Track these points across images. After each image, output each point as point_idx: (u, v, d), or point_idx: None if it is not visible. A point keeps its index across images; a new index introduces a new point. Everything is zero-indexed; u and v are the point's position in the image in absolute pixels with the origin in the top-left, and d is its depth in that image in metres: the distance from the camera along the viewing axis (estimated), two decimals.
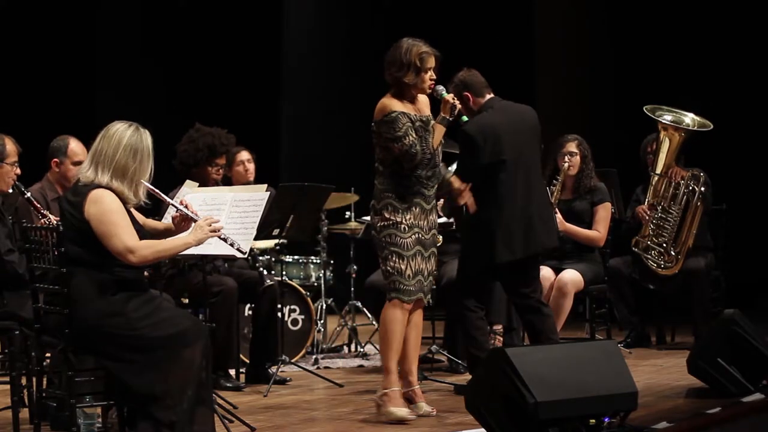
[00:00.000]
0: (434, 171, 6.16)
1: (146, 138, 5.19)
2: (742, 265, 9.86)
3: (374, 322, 8.81)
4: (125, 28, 12.42)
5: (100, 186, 5.09)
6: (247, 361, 7.58)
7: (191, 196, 6.09)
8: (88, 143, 5.45)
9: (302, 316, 8.38)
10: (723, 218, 9.04)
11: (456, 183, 6.45)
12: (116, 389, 5.17)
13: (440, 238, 7.60)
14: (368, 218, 7.88)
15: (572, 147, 8.23)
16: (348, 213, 9.08)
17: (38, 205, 6.24)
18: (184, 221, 5.34)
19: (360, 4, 12.59)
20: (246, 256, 6.36)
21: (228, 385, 7.14)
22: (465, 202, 6.89)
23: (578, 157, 8.22)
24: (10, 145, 6.18)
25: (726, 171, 9.75)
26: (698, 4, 11.20)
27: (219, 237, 5.33)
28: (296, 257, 8.91)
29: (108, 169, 5.11)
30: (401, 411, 6.03)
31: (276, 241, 7.84)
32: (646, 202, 8.72)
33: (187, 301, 7.21)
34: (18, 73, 11.51)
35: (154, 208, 5.70)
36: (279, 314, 7.92)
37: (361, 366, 8.30)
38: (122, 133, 5.15)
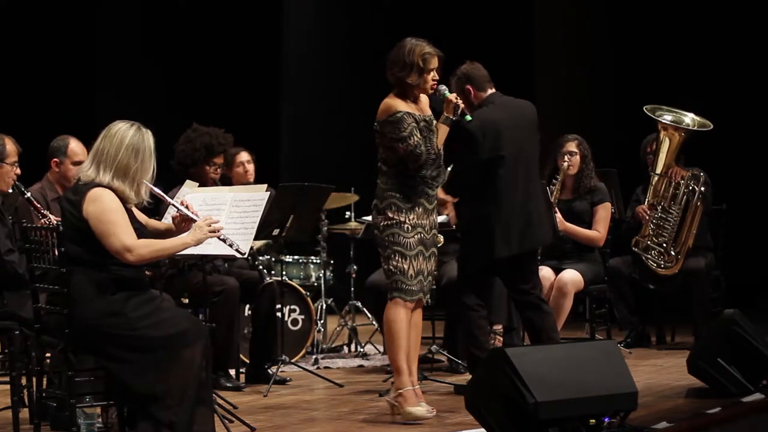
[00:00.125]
0: (439, 171, 6.16)
1: (148, 138, 5.19)
2: (742, 265, 9.86)
3: (374, 322, 8.81)
4: (125, 28, 12.42)
5: (100, 185, 5.09)
6: (247, 361, 7.58)
7: (191, 196, 6.09)
8: (88, 143, 5.45)
9: (302, 316, 8.38)
10: (723, 218, 9.04)
11: (440, 194, 6.47)
12: (116, 389, 5.17)
13: (441, 238, 7.62)
14: (368, 218, 7.90)
15: (572, 147, 8.24)
16: (348, 213, 9.08)
17: (38, 205, 6.24)
18: (184, 221, 5.34)
19: (360, 4, 12.59)
20: (246, 256, 6.36)
21: (228, 385, 7.14)
22: (447, 213, 6.95)
23: (578, 157, 8.23)
24: (10, 145, 6.18)
25: (726, 171, 9.75)
26: (698, 4, 11.20)
27: (218, 238, 5.33)
28: (296, 257, 8.91)
29: (110, 168, 5.11)
30: (419, 410, 6.03)
31: (265, 241, 7.85)
32: (646, 202, 8.72)
33: (187, 301, 7.21)
34: (18, 73, 11.51)
35: (153, 207, 5.70)
36: (279, 314, 7.93)
37: (361, 366, 8.30)
38: (124, 132, 5.16)
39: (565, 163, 8.19)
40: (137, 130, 5.18)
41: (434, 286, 6.51)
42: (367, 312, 9.07)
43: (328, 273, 9.02)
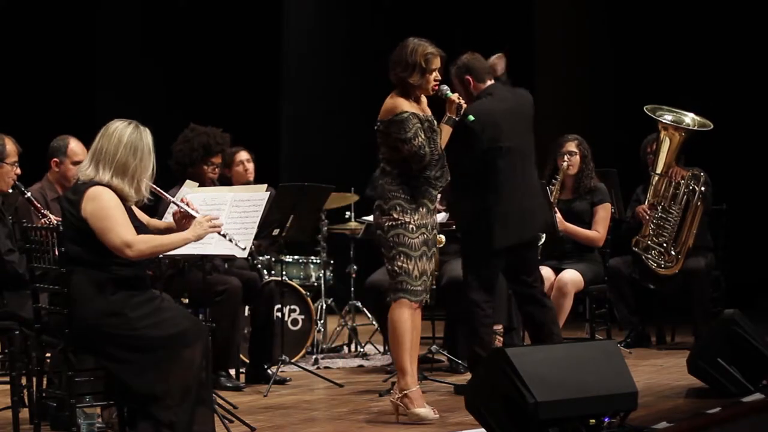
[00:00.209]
0: (442, 171, 6.15)
1: (146, 136, 5.19)
2: (742, 265, 9.86)
3: (374, 322, 8.81)
4: (125, 28, 12.41)
5: (99, 184, 5.09)
6: (247, 361, 7.58)
7: (191, 196, 6.08)
8: (88, 143, 5.45)
9: (302, 316, 8.38)
10: (723, 218, 9.04)
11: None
12: (116, 389, 5.17)
13: (443, 238, 7.62)
14: (369, 218, 7.90)
15: (572, 147, 8.24)
16: (348, 213, 9.08)
17: (38, 205, 6.24)
18: (184, 219, 5.35)
19: (360, 4, 12.59)
20: (246, 254, 6.36)
21: (228, 385, 7.14)
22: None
23: (578, 157, 8.23)
24: (10, 145, 6.18)
25: (726, 171, 9.75)
26: (698, 4, 11.20)
27: (218, 233, 5.33)
28: (296, 257, 8.91)
29: (109, 167, 5.11)
30: (427, 412, 6.03)
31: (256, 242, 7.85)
32: (646, 202, 8.72)
33: (187, 301, 7.21)
34: (18, 73, 11.51)
35: (153, 205, 5.70)
36: (279, 314, 7.94)
37: (361, 366, 8.30)
38: (122, 131, 5.16)
39: (565, 163, 8.20)
40: (135, 128, 5.18)
41: (434, 286, 6.51)
42: (367, 312, 9.07)
43: (328, 273, 9.01)
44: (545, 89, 11.47)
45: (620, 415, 5.29)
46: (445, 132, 6.23)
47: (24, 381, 5.99)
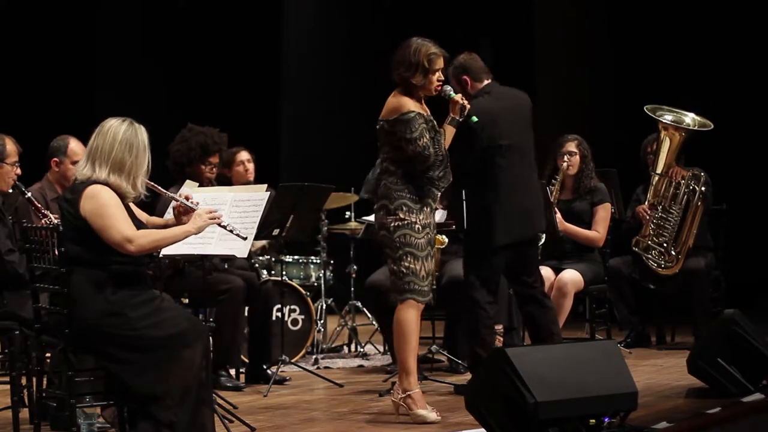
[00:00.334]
0: (445, 172, 6.13)
1: (141, 132, 5.20)
2: (742, 265, 9.86)
3: (374, 322, 8.81)
4: (125, 28, 12.42)
5: (97, 182, 5.09)
6: (247, 361, 7.58)
7: (191, 196, 6.09)
8: (88, 143, 5.45)
9: (302, 316, 8.38)
10: (723, 218, 9.04)
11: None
12: (116, 389, 5.17)
13: (445, 239, 7.62)
14: (368, 218, 7.89)
15: (572, 147, 8.24)
16: (348, 213, 9.08)
17: (38, 205, 6.24)
18: (184, 214, 5.35)
19: (360, 4, 12.59)
20: (246, 252, 6.35)
21: (228, 385, 7.15)
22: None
23: (578, 157, 8.23)
24: (11, 145, 6.18)
25: (726, 171, 9.75)
26: (698, 4, 11.21)
27: (219, 224, 5.34)
28: (296, 257, 8.91)
29: (105, 164, 5.12)
30: (430, 414, 6.03)
31: (265, 241, 7.86)
32: (646, 202, 8.72)
33: (187, 301, 7.22)
34: (18, 73, 11.51)
35: (151, 202, 5.70)
36: (279, 314, 7.94)
37: (361, 366, 8.30)
38: (117, 128, 5.16)
39: (565, 164, 8.19)
40: (130, 125, 5.19)
41: (434, 286, 6.50)
42: (367, 312, 9.07)
43: (328, 273, 9.01)
44: (545, 89, 11.48)
45: (620, 415, 5.29)
46: (449, 133, 6.22)
47: (24, 381, 5.99)
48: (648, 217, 8.67)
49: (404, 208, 6.04)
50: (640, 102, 8.80)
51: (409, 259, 6.04)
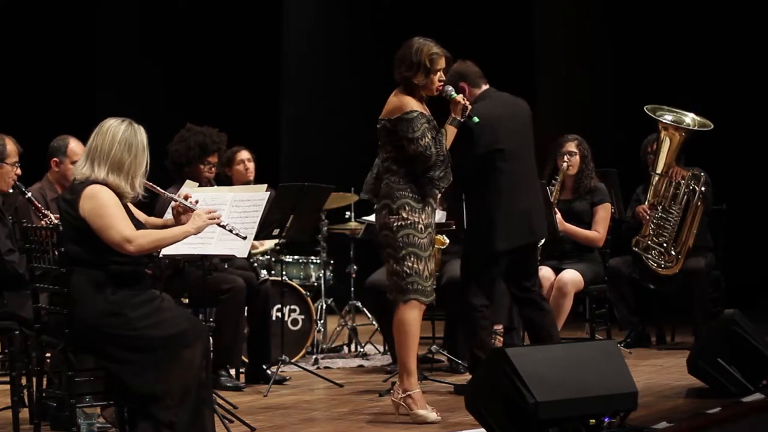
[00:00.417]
0: (446, 172, 6.12)
1: (140, 132, 5.20)
2: (742, 265, 9.86)
3: (374, 322, 8.81)
4: (125, 28, 12.42)
5: (96, 182, 5.10)
6: (247, 361, 7.58)
7: (191, 195, 6.09)
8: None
9: (302, 316, 8.38)
10: (723, 218, 9.04)
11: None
12: (116, 389, 5.17)
13: (446, 240, 7.62)
14: (368, 218, 7.90)
15: (572, 147, 8.23)
16: (348, 213, 9.08)
17: (39, 205, 6.24)
18: (183, 214, 5.35)
19: (360, 4, 12.59)
20: (247, 250, 6.35)
21: (228, 385, 7.15)
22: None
23: (578, 157, 8.23)
24: (11, 145, 6.18)
25: (726, 171, 9.75)
26: (698, 4, 11.21)
27: (218, 224, 5.34)
28: (296, 257, 8.91)
29: (104, 164, 5.12)
30: (430, 414, 6.03)
31: (276, 241, 7.85)
32: (646, 202, 8.72)
33: (187, 301, 7.22)
34: (18, 73, 11.51)
35: (149, 203, 5.70)
36: (279, 314, 7.94)
37: (361, 366, 8.30)
38: (116, 128, 5.17)
39: (565, 164, 8.19)
40: (128, 125, 5.19)
41: (434, 286, 6.49)
42: (367, 312, 9.07)
43: (328, 273, 9.01)
44: (545, 89, 11.49)
45: (620, 415, 5.29)
46: (450, 133, 6.20)
47: (24, 381, 5.99)
48: (648, 217, 8.67)
49: (407, 208, 6.03)
50: (640, 102, 8.80)
51: (412, 259, 6.03)
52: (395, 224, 6.03)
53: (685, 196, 8.64)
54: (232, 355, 7.25)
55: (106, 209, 5.05)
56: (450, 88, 6.25)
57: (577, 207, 8.21)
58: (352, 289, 9.10)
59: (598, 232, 8.16)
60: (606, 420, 5.22)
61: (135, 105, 11.44)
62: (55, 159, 6.72)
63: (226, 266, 7.44)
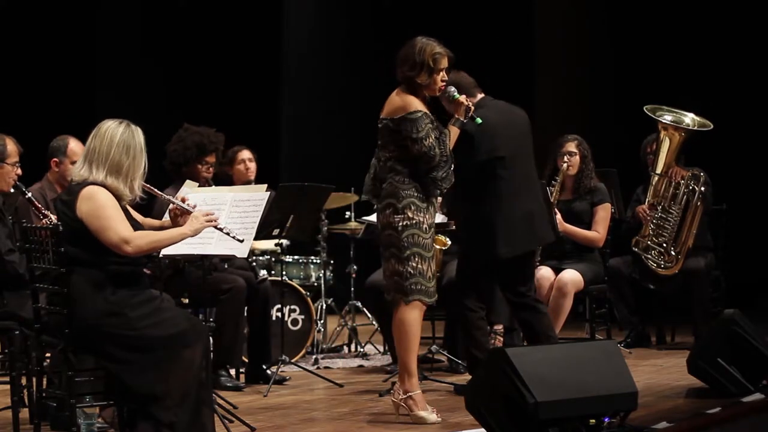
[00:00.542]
0: (448, 173, 6.11)
1: (138, 134, 5.20)
2: (742, 265, 9.86)
3: (374, 322, 8.81)
4: (125, 28, 12.42)
5: (94, 183, 5.10)
6: (247, 361, 7.58)
7: (192, 195, 6.09)
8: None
9: (302, 316, 8.38)
10: (723, 218, 9.04)
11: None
12: (116, 389, 5.17)
13: (448, 241, 7.61)
14: (368, 218, 7.90)
15: (571, 147, 8.23)
16: (348, 213, 9.08)
17: (39, 205, 6.24)
18: (180, 215, 5.35)
19: (360, 4, 12.59)
20: (246, 252, 6.35)
21: (228, 385, 7.15)
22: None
23: (577, 157, 8.22)
24: (11, 145, 6.18)
25: (726, 171, 9.75)
26: (698, 4, 11.21)
27: (215, 227, 5.34)
28: (296, 257, 8.91)
29: (102, 166, 5.12)
30: (431, 415, 6.03)
31: (276, 241, 7.85)
32: (646, 202, 8.72)
33: (187, 301, 7.22)
34: (18, 73, 11.52)
35: (147, 205, 5.71)
36: (279, 314, 7.94)
37: (361, 366, 8.30)
38: (114, 130, 5.17)
39: (565, 164, 8.19)
40: (127, 127, 5.19)
41: (435, 287, 6.49)
42: (367, 312, 9.07)
43: (328, 273, 9.01)
44: (545, 89, 11.49)
45: (620, 415, 5.29)
46: (453, 134, 6.19)
47: (24, 381, 5.99)
48: (648, 217, 8.67)
49: (413, 207, 6.02)
50: (640, 102, 8.80)
51: (416, 259, 6.02)
52: (400, 224, 6.01)
53: (685, 196, 8.64)
54: (232, 355, 7.25)
55: (104, 210, 5.05)
56: (452, 89, 6.23)
57: (577, 207, 8.21)
58: (352, 289, 9.10)
59: (598, 232, 8.16)
60: (606, 420, 5.22)
61: (135, 105, 11.46)
62: (55, 159, 6.72)
63: (226, 266, 7.44)
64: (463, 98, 6.25)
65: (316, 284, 8.93)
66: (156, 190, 5.50)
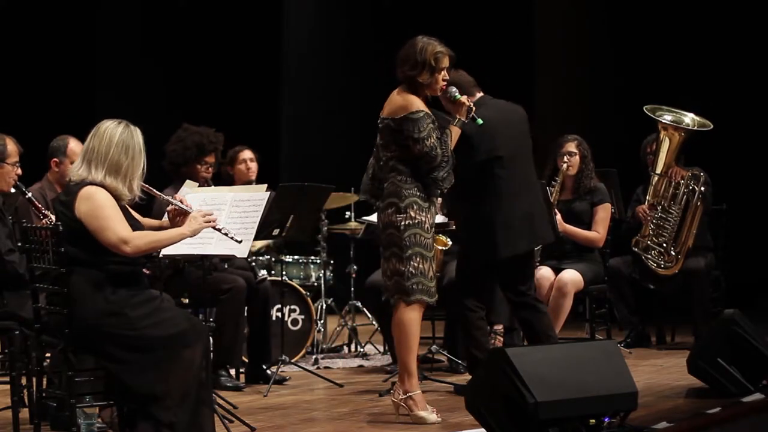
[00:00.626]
0: (449, 173, 6.11)
1: (137, 134, 5.21)
2: (742, 265, 9.86)
3: (374, 322, 8.81)
4: (125, 28, 12.42)
5: (92, 183, 5.10)
6: (247, 361, 7.58)
7: (192, 195, 6.10)
8: None
9: (302, 316, 8.38)
10: (723, 218, 9.04)
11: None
12: (116, 389, 5.17)
13: (449, 241, 7.61)
14: (368, 218, 7.90)
15: (571, 147, 8.23)
16: (348, 213, 9.08)
17: (39, 205, 6.24)
18: (179, 215, 5.35)
19: (360, 4, 12.59)
20: (246, 252, 6.35)
21: (228, 385, 7.15)
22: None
23: (577, 158, 8.22)
24: (11, 145, 6.18)
25: (726, 171, 9.75)
26: (698, 4, 11.21)
27: (213, 227, 5.33)
28: (296, 257, 8.91)
29: (101, 166, 5.12)
30: (429, 414, 6.04)
31: (266, 241, 7.86)
32: (646, 202, 8.72)
33: (187, 301, 7.22)
34: (18, 73, 11.52)
35: (146, 205, 5.71)
36: (279, 314, 7.94)
37: (361, 366, 8.30)
38: (113, 130, 5.17)
39: (564, 165, 8.19)
40: (125, 127, 5.20)
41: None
42: (367, 312, 9.07)
43: (328, 273, 9.01)
44: (545, 89, 11.49)
45: (620, 415, 5.29)
46: (455, 134, 6.18)
47: (24, 381, 5.99)
48: (648, 217, 8.67)
49: (415, 207, 6.01)
50: (640, 102, 8.80)
51: (418, 259, 6.02)
52: (402, 223, 6.00)
53: (685, 196, 8.64)
54: (232, 355, 7.25)
55: (103, 210, 5.05)
56: (454, 89, 6.23)
57: (576, 207, 8.21)
58: (352, 289, 9.10)
59: (597, 232, 8.16)
60: (606, 420, 5.22)
61: (135, 105, 11.46)
62: (55, 159, 6.72)
63: (226, 266, 7.44)
64: (464, 98, 6.24)
65: (316, 284, 8.93)
66: (155, 190, 5.50)
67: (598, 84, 11.60)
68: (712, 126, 8.64)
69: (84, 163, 5.16)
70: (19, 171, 6.21)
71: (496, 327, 7.72)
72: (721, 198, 8.97)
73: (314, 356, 8.37)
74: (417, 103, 6.02)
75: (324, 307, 8.96)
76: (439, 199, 6.91)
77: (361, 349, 8.86)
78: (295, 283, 8.51)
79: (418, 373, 6.39)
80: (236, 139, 8.05)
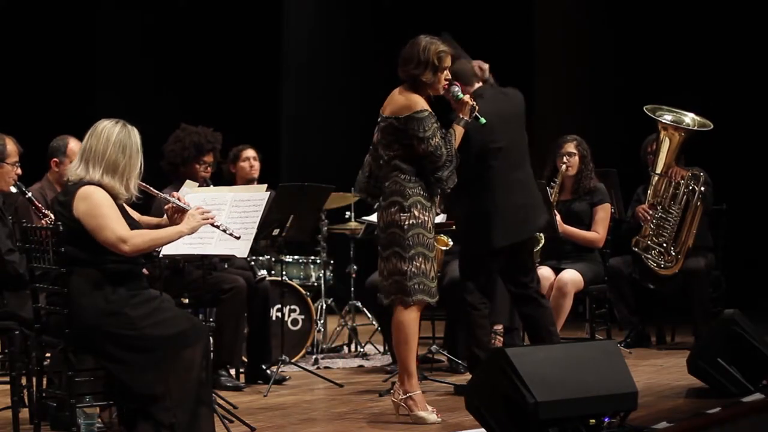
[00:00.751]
0: (453, 172, 6.10)
1: (134, 134, 5.21)
2: (742, 265, 9.85)
3: (374, 322, 8.81)
4: (125, 28, 12.42)
5: (90, 183, 5.10)
6: (247, 361, 7.58)
7: (192, 195, 6.10)
8: None
9: (302, 316, 8.38)
10: (723, 218, 9.04)
11: None
12: (116, 389, 5.17)
13: (450, 241, 7.61)
14: (368, 218, 7.90)
15: (571, 147, 8.23)
16: (348, 213, 9.08)
17: (39, 205, 6.24)
18: (177, 213, 5.35)
19: (360, 4, 12.59)
20: (246, 251, 6.35)
21: (228, 385, 7.15)
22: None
23: (577, 158, 8.22)
24: (11, 145, 6.19)
25: (726, 171, 9.75)
26: (698, 4, 11.21)
27: (212, 224, 5.33)
28: (296, 257, 8.91)
29: (99, 166, 5.13)
30: (429, 414, 6.04)
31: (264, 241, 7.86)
32: (646, 202, 8.72)
33: (187, 301, 7.22)
34: (18, 73, 11.52)
35: (144, 205, 5.71)
36: (279, 314, 7.94)
37: (361, 366, 8.30)
38: (110, 130, 5.18)
39: (564, 165, 8.19)
40: (123, 127, 5.20)
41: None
42: (367, 312, 9.06)
43: (328, 273, 9.01)
44: (545, 89, 11.48)
45: (620, 415, 5.29)
46: (459, 133, 6.18)
47: (24, 381, 5.99)
48: (648, 217, 8.67)
49: (419, 206, 6.01)
50: (640, 102, 8.80)
51: (420, 259, 6.01)
52: (406, 222, 5.99)
53: (685, 196, 8.64)
54: (232, 355, 7.25)
55: (101, 209, 5.05)
56: (457, 88, 6.22)
57: (576, 208, 8.21)
58: (352, 289, 9.10)
59: (597, 232, 8.16)
60: (606, 420, 5.22)
61: (135, 105, 11.45)
62: (55, 159, 6.73)
63: (225, 266, 7.44)
64: (467, 98, 6.24)
65: (316, 284, 8.92)
66: (153, 189, 5.50)
67: (598, 84, 11.60)
68: (712, 126, 8.64)
69: (81, 163, 5.16)
70: (19, 171, 6.21)
71: (496, 327, 7.71)
72: (721, 198, 8.97)
73: (314, 356, 8.37)
74: (421, 103, 6.02)
75: (324, 307, 8.96)
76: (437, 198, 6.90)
77: (361, 349, 8.86)
78: (295, 283, 8.51)
79: (418, 373, 6.39)
80: (236, 139, 8.05)
